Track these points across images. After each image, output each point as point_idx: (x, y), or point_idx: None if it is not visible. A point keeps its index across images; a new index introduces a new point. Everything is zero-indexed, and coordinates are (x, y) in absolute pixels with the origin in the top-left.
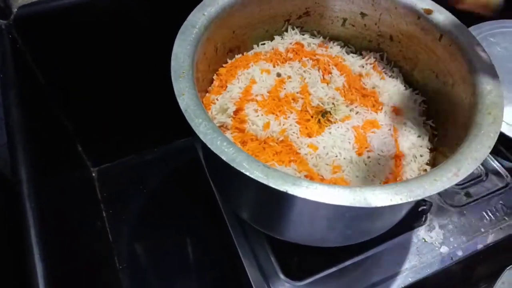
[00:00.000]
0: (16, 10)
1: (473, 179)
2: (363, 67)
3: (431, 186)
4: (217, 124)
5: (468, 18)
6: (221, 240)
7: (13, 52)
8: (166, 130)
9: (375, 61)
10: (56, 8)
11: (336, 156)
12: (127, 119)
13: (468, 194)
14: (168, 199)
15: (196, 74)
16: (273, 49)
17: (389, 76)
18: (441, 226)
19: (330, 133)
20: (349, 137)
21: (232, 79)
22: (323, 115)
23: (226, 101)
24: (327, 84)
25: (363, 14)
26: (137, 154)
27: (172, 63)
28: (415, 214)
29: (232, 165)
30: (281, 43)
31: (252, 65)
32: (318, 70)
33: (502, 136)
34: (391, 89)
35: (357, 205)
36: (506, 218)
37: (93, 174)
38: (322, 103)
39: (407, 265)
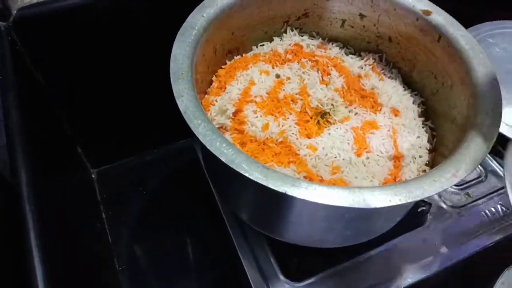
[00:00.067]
0: (15, 11)
1: (473, 180)
2: (362, 68)
3: (430, 187)
4: (216, 126)
5: (467, 19)
6: (220, 241)
7: (12, 54)
8: (166, 132)
9: (374, 62)
10: (55, 9)
11: (335, 157)
12: (127, 120)
13: (467, 195)
14: (167, 200)
15: (195, 75)
16: (272, 50)
17: (388, 77)
18: (440, 226)
19: (329, 134)
20: (348, 138)
21: (231, 81)
22: (322, 116)
23: (225, 103)
24: (326, 85)
25: (362, 16)
26: (137, 156)
27: (171, 64)
28: (415, 214)
29: (231, 166)
30: (280, 45)
31: (251, 67)
32: (317, 71)
33: (501, 137)
34: (390, 90)
35: (356, 206)
36: (506, 219)
37: (93, 176)
38: (321, 104)
39: (406, 266)
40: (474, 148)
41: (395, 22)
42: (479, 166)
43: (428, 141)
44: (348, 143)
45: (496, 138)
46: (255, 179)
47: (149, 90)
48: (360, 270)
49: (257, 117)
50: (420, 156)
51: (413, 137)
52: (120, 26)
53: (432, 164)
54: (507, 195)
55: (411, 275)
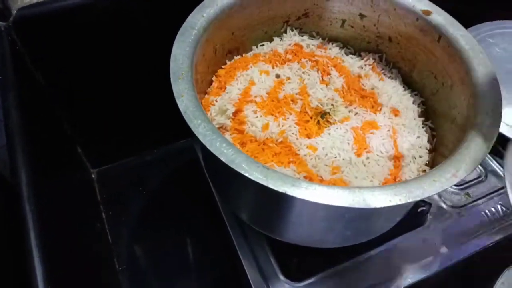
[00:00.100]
0: (15, 11)
1: (473, 180)
2: (362, 68)
3: (430, 187)
4: (216, 126)
5: (467, 19)
6: (220, 241)
7: (12, 54)
8: (166, 132)
9: (374, 62)
10: (55, 9)
11: (335, 157)
12: (127, 120)
13: (467, 195)
14: (167, 200)
15: (195, 75)
16: (272, 50)
17: (388, 77)
18: (440, 226)
19: (329, 134)
20: (348, 138)
21: (231, 81)
22: (322, 116)
23: (225, 103)
24: (326, 85)
25: (362, 16)
26: (137, 156)
27: (171, 64)
28: (415, 214)
29: (231, 166)
30: (280, 45)
31: (251, 67)
32: (317, 71)
33: (501, 137)
34: (390, 90)
35: (356, 206)
36: (506, 219)
37: (93, 176)
38: (321, 104)
39: (406, 266)
40: (474, 148)
41: (395, 22)
42: (479, 166)
43: (428, 141)
44: (348, 143)
45: (496, 138)
46: (255, 179)
47: (149, 90)
48: (360, 270)
49: (257, 117)
50: (420, 156)
51: (413, 137)
52: (120, 26)
53: (432, 164)
54: (507, 195)
55: (411, 275)
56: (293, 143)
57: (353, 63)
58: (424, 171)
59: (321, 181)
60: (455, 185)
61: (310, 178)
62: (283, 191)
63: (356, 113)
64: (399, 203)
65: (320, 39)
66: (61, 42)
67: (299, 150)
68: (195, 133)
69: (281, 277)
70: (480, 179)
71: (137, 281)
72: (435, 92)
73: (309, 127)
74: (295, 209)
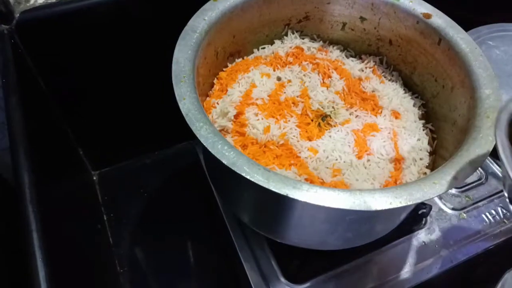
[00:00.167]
0: (18, 15)
1: (473, 182)
2: (363, 71)
3: (431, 189)
4: (218, 128)
5: (467, 22)
6: (221, 243)
7: (15, 57)
8: (167, 134)
9: (374, 65)
10: (58, 13)
11: (336, 160)
12: (128, 123)
13: (468, 197)
14: (168, 202)
15: (196, 78)
16: (273, 53)
17: (389, 80)
18: (441, 229)
19: (330, 136)
20: (349, 141)
21: (232, 83)
22: (323, 119)
23: (227, 105)
24: (327, 88)
25: (362, 19)
26: (138, 158)
27: (173, 67)
28: (415, 217)
29: (233, 168)
30: (281, 47)
31: (252, 69)
32: (318, 74)
33: None
34: (390, 92)
35: (357, 208)
36: (506, 221)
37: (94, 178)
38: (322, 107)
39: (407, 268)
40: (475, 151)
41: (395, 25)
42: (479, 168)
43: (429, 143)
44: (349, 146)
45: None
46: (256, 182)
47: (150, 93)
48: (360, 273)
49: (258, 119)
50: (420, 159)
51: (413, 140)
52: (122, 30)
53: (433, 166)
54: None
55: (412, 277)
56: (294, 145)
57: (353, 65)
58: (425, 173)
59: (322, 184)
60: (456, 187)
61: (311, 180)
62: (285, 194)
63: (356, 116)
64: (399, 205)
65: (321, 42)
66: (63, 45)
67: (300, 152)
68: (197, 135)
69: (282, 279)
70: (480, 181)
71: (138, 284)
72: (436, 94)
73: (310, 129)
74: (296, 212)
